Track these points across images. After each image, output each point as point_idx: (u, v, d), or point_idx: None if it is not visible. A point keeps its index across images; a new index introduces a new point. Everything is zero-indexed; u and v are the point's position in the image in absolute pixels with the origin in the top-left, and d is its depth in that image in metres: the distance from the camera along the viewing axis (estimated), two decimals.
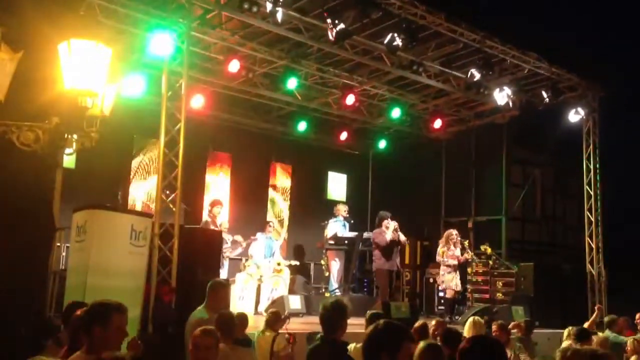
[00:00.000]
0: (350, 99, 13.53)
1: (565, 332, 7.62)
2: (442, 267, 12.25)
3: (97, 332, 3.52)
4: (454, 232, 12.55)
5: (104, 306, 3.66)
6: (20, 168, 6.32)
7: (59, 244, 9.04)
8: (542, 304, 12.23)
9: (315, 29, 10.95)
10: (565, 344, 7.27)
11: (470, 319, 7.34)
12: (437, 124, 15.20)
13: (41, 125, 4.88)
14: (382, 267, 11.57)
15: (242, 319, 6.23)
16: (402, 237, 11.78)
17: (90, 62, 4.73)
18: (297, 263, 13.49)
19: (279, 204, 15.98)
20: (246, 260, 12.17)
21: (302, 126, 15.14)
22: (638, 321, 9.63)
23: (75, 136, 5.03)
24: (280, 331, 6.58)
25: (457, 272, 12.20)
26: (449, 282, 12.07)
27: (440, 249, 12.31)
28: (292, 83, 12.67)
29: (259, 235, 12.27)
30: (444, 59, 12.40)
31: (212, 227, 11.63)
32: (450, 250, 12.22)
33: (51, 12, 6.82)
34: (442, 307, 12.72)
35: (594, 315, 10.79)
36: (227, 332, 5.22)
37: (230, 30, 11.45)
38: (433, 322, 7.16)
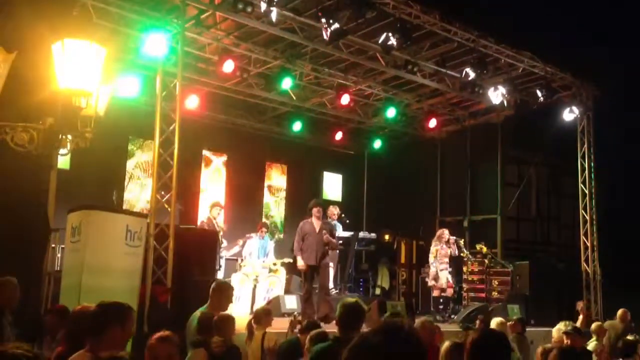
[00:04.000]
0: (345, 99, 13.54)
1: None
2: (434, 265, 12.25)
3: (116, 331, 3.50)
4: (446, 231, 12.60)
5: (121, 306, 3.67)
6: (14, 169, 6.32)
7: (53, 245, 9.00)
8: (537, 302, 12.27)
9: (310, 29, 10.94)
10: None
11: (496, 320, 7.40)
12: (432, 123, 15.27)
13: (35, 126, 4.87)
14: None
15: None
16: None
17: (84, 62, 4.71)
18: (291, 260, 13.45)
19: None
20: (242, 260, 12.16)
21: (297, 126, 15.13)
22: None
23: (69, 136, 5.01)
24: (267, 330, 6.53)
25: (448, 271, 12.22)
26: (440, 280, 12.09)
27: (433, 248, 12.32)
28: (286, 83, 12.66)
29: (253, 235, 12.28)
30: (439, 58, 12.41)
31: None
32: (443, 249, 12.25)
33: (45, 13, 6.82)
34: (441, 306, 12.61)
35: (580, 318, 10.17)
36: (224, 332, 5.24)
37: (225, 30, 11.44)
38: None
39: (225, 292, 6.18)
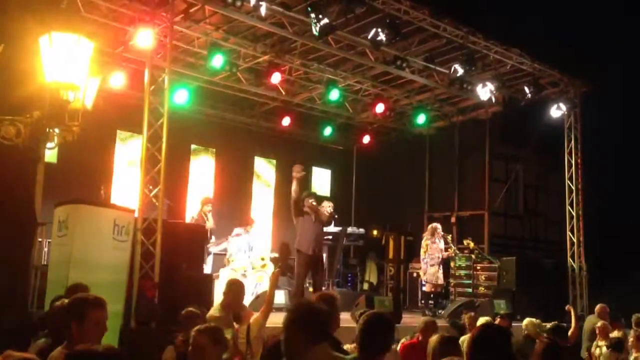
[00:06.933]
0: (334, 94, 13.57)
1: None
2: (425, 260, 12.26)
3: (73, 327, 3.47)
4: (439, 226, 12.63)
5: (81, 301, 3.60)
6: (0, 162, 6.28)
7: (40, 239, 8.97)
8: (523, 297, 12.33)
9: (299, 24, 10.94)
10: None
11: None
12: (421, 119, 15.33)
13: (22, 119, 4.84)
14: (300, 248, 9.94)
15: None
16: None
17: (72, 56, 4.69)
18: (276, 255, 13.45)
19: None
20: (229, 256, 12.14)
21: (286, 121, 15.11)
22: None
23: (57, 130, 4.99)
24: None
25: (440, 266, 12.26)
26: (432, 275, 12.11)
27: (424, 242, 12.32)
28: (276, 78, 12.64)
29: (237, 230, 12.27)
30: (428, 54, 12.44)
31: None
32: (435, 243, 12.27)
33: (32, 6, 6.77)
34: (431, 302, 12.61)
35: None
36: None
37: (214, 24, 11.40)
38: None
39: (242, 291, 6.26)
